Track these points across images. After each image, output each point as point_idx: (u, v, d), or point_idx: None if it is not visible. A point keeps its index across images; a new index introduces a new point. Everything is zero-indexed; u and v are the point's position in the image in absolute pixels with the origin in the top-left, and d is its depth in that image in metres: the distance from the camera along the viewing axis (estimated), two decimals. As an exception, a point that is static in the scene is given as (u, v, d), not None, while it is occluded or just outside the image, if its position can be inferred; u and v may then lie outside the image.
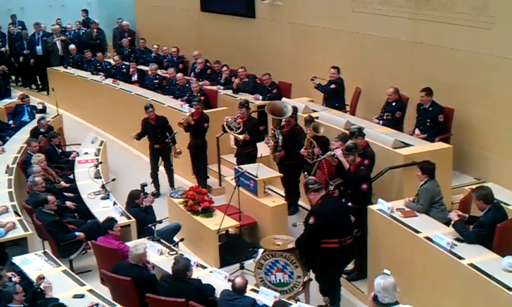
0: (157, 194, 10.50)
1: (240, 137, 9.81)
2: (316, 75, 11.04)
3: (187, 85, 12.49)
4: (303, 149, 8.81)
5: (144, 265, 6.84)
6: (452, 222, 6.60)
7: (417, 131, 9.26)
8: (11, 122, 12.73)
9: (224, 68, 13.21)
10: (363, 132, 8.26)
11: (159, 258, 7.34)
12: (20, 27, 17.36)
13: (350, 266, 7.68)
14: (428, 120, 9.22)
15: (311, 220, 6.80)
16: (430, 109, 9.24)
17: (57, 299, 6.31)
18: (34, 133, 11.30)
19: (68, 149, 11.72)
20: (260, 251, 7.25)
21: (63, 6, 19.27)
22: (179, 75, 13.03)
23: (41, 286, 6.38)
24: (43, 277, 6.46)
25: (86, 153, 10.93)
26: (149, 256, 7.09)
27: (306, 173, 8.72)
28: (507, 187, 8.13)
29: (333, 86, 10.79)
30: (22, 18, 17.87)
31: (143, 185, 8.84)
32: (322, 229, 6.77)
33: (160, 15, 16.89)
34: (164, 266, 7.09)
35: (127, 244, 7.56)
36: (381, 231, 7.16)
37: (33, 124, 12.08)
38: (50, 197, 8.33)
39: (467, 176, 9.17)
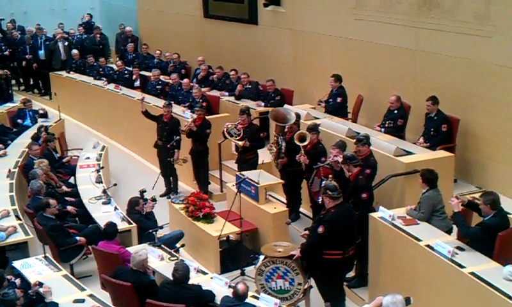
0: (174, 192, 10.62)
1: (240, 143, 9.82)
2: (321, 99, 10.96)
3: (191, 91, 12.49)
4: (297, 156, 8.85)
5: (145, 270, 6.84)
6: (452, 213, 6.60)
7: (421, 139, 9.27)
8: (19, 121, 12.71)
9: (232, 73, 13.18)
10: (370, 141, 8.23)
11: (160, 263, 7.34)
12: (19, 31, 17.39)
13: (351, 273, 7.66)
14: (432, 129, 9.23)
15: (320, 229, 6.70)
16: (435, 118, 9.26)
17: (57, 304, 6.30)
18: (36, 139, 11.28)
19: (69, 153, 11.73)
20: (261, 257, 7.24)
21: (65, 10, 19.35)
22: (185, 80, 13.03)
23: (41, 291, 6.36)
24: (39, 284, 6.44)
25: (88, 158, 10.93)
26: (150, 261, 7.08)
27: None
28: (509, 195, 8.13)
29: (339, 99, 10.75)
30: (25, 22, 17.90)
31: (142, 192, 8.83)
32: (329, 239, 6.73)
33: (162, 21, 16.92)
34: (165, 272, 7.08)
35: (128, 249, 7.56)
36: (382, 238, 7.15)
37: (34, 129, 12.10)
38: (52, 202, 8.32)
39: (469, 185, 9.17)
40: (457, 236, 6.93)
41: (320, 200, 7.76)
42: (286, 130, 9.42)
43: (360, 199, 7.42)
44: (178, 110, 11.80)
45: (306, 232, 7.29)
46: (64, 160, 10.94)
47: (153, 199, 8.67)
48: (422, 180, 7.16)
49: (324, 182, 7.77)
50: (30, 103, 13.34)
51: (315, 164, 8.49)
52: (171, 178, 10.97)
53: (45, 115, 13.19)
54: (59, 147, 11.79)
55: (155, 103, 12.24)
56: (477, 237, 6.39)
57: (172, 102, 11.04)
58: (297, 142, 8.81)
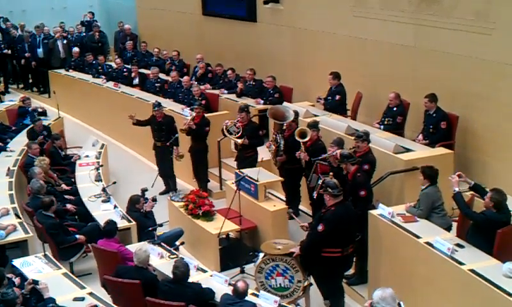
0: (172, 191, 10.60)
1: (239, 141, 9.82)
2: (320, 96, 10.97)
3: (191, 89, 12.47)
4: (297, 153, 8.85)
5: (147, 267, 6.85)
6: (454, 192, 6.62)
7: (420, 137, 9.27)
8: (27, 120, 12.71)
9: (229, 72, 13.17)
10: (369, 138, 8.23)
11: (160, 261, 7.34)
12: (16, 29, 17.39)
13: (350, 270, 7.67)
14: (431, 126, 9.24)
15: (320, 228, 6.71)
16: (434, 115, 9.26)
17: (54, 299, 6.30)
18: (32, 135, 11.27)
19: (69, 151, 11.72)
20: (261, 255, 7.25)
21: (65, 8, 19.32)
22: (185, 78, 13.02)
23: (39, 288, 6.37)
24: (32, 283, 6.44)
25: (87, 156, 10.93)
26: (150, 259, 7.08)
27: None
28: (509, 193, 8.11)
29: (337, 97, 10.75)
30: (24, 21, 17.85)
31: (144, 190, 8.82)
32: (329, 237, 6.73)
33: (161, 19, 16.92)
34: (165, 270, 7.09)
35: (128, 247, 7.57)
36: (381, 236, 7.15)
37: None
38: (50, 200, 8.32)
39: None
40: (457, 234, 6.94)
41: (315, 195, 7.85)
42: (284, 127, 9.42)
43: (359, 196, 7.42)
44: (177, 108, 11.79)
45: (305, 224, 7.40)
46: (72, 159, 10.90)
47: (154, 199, 8.66)
48: (423, 177, 7.15)
49: (320, 180, 7.78)
50: (29, 101, 13.34)
51: (314, 161, 8.50)
52: (169, 181, 10.98)
53: (44, 113, 13.17)
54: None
55: (153, 102, 12.22)
56: (477, 222, 6.43)
57: (159, 102, 10.97)
58: (297, 139, 8.81)
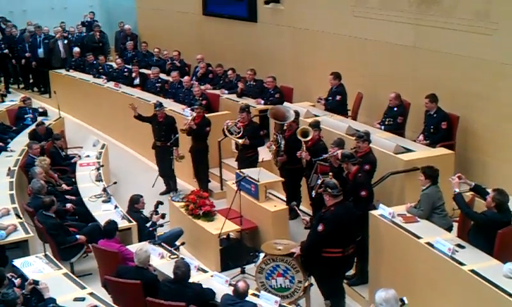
0: (173, 191, 10.58)
1: (240, 141, 9.82)
2: (320, 96, 10.98)
3: (191, 89, 12.47)
4: (298, 152, 8.85)
5: (147, 267, 6.85)
6: (454, 193, 6.63)
7: (421, 137, 9.28)
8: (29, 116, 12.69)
9: (230, 72, 13.17)
10: (370, 138, 8.24)
11: (160, 261, 7.34)
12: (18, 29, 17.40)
13: (351, 271, 7.67)
14: (431, 127, 9.24)
15: (320, 228, 6.72)
16: (434, 115, 9.26)
17: (54, 300, 6.31)
18: (34, 137, 11.27)
19: (69, 151, 11.73)
20: (261, 255, 7.25)
21: (66, 8, 19.34)
22: (186, 78, 13.02)
23: (39, 288, 6.37)
24: (33, 283, 6.44)
25: (88, 156, 10.93)
26: (150, 259, 7.08)
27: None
28: (510, 193, 8.12)
29: (338, 97, 10.75)
30: (24, 21, 17.88)
31: (159, 203, 8.62)
32: (329, 237, 6.74)
33: (162, 19, 16.93)
34: (165, 270, 7.09)
35: (128, 247, 7.57)
36: (382, 236, 7.15)
37: (33, 127, 12.10)
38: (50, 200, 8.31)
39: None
40: (458, 234, 6.95)
41: (313, 194, 7.90)
42: (285, 128, 9.42)
43: (359, 196, 7.42)
44: (177, 108, 11.79)
45: (306, 218, 7.49)
46: (73, 160, 10.91)
47: (163, 216, 8.53)
48: (424, 177, 7.14)
49: (319, 180, 7.79)
50: (30, 101, 13.34)
51: (315, 161, 8.51)
52: (170, 181, 10.98)
53: (44, 113, 13.18)
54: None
55: (155, 102, 12.22)
56: (477, 222, 6.45)
57: (161, 103, 10.97)
58: (299, 137, 8.81)
